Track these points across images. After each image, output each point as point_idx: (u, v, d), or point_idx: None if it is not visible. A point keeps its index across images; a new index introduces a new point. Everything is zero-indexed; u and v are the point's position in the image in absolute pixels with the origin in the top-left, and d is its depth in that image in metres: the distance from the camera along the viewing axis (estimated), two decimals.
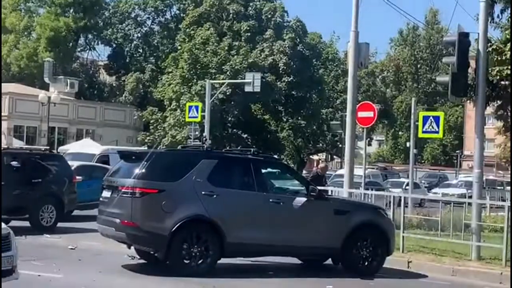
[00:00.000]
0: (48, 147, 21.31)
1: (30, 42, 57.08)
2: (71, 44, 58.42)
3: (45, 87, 48.38)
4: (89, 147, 31.53)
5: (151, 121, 49.08)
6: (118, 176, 11.89)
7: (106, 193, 11.84)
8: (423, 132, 21.71)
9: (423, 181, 47.72)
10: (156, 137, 47.20)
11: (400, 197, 15.59)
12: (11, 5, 58.00)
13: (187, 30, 50.04)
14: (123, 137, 46.58)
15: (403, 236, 14.02)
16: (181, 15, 56.06)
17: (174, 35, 53.67)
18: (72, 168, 19.61)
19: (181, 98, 45.51)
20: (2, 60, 34.92)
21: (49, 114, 39.78)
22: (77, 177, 18.59)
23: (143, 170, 11.29)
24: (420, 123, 21.65)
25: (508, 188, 33.95)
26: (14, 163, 16.90)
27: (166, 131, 46.42)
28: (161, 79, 51.09)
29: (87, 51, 63.10)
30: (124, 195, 11.10)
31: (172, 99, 46.90)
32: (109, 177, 12.29)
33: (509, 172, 41.71)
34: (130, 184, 11.20)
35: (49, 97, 39.84)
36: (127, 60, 59.05)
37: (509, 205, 13.24)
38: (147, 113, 49.66)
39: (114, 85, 60.95)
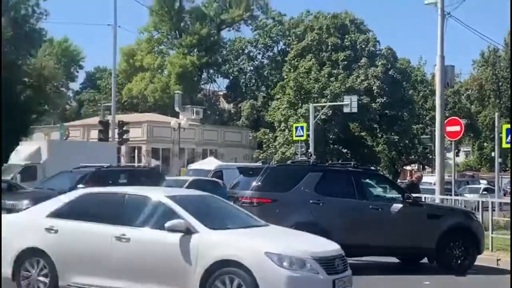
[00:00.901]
0: (146, 164, 21.58)
1: (163, 77, 58.84)
2: (196, 78, 59.91)
3: (176, 115, 49.69)
4: (211, 164, 31.88)
5: (264, 141, 49.46)
6: (238, 189, 12.03)
7: None
8: (507, 143, 20.83)
9: (508, 187, 45.57)
10: (268, 154, 47.47)
11: (488, 201, 14.97)
12: (146, 48, 60.24)
13: (292, 61, 50.21)
14: (241, 155, 47.11)
15: (491, 237, 13.44)
16: (287, 49, 56.36)
17: (281, 66, 53.97)
18: (188, 182, 20.08)
19: (289, 120, 45.62)
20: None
21: (179, 138, 40.79)
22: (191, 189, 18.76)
23: (259, 183, 11.39)
24: (503, 135, 20.80)
25: None
26: (122, 178, 17.30)
27: (277, 149, 46.61)
28: (271, 104, 51.44)
29: (209, 83, 64.60)
30: (244, 204, 11.21)
31: (281, 121, 47.10)
32: (230, 190, 12.45)
33: None
34: (249, 195, 11.31)
35: (179, 124, 40.85)
36: (243, 90, 59.91)
37: None
38: (260, 134, 50.09)
39: (232, 111, 61.95)
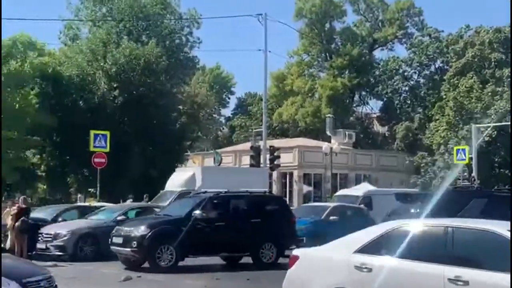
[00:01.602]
0: (267, 190, 21.13)
1: (314, 101, 59.34)
2: (347, 100, 59.93)
3: (327, 139, 49.89)
4: (360, 190, 31.14)
5: (422, 165, 48.18)
6: (396, 216, 11.85)
7: None
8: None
9: None
10: (427, 179, 46.13)
11: None
12: (297, 72, 61.28)
13: (452, 80, 48.67)
14: (396, 180, 46.15)
15: None
16: (445, 67, 54.76)
17: (439, 85, 52.49)
18: (329, 209, 19.91)
19: (449, 143, 44.15)
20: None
21: (331, 163, 40.89)
22: (332, 217, 18.61)
23: (418, 210, 11.16)
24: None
25: None
26: (237, 204, 17.21)
27: (436, 174, 45.19)
28: (429, 126, 50.11)
29: (362, 105, 64.31)
30: None
31: (440, 144, 45.70)
32: (387, 217, 12.33)
33: None
34: None
35: (331, 148, 40.96)
36: (397, 111, 58.88)
37: None
38: (418, 157, 48.88)
39: (386, 134, 61.06)
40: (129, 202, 26.67)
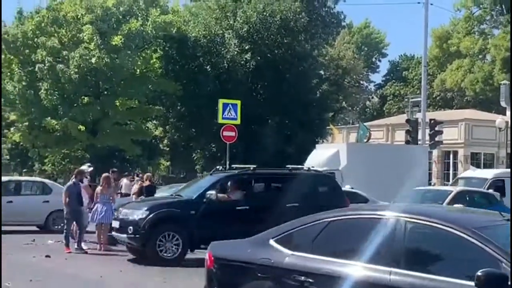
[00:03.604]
0: (310, 167, 18.31)
1: (485, 65, 57.54)
2: None
3: (502, 111, 47.96)
4: (489, 172, 29.24)
5: None
6: None
7: None
8: None
9: None
10: None
11: None
12: (464, 29, 59.35)
13: None
14: None
15: None
16: None
17: None
18: (451, 195, 18.96)
19: None
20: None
21: (507, 140, 39.33)
22: (455, 205, 16.67)
23: None
24: None
25: None
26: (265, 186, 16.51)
27: None
28: None
29: None
30: None
31: None
32: None
33: None
34: None
35: (507, 122, 39.39)
36: None
37: None
38: None
39: None
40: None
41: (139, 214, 15.13)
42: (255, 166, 16.66)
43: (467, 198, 20.17)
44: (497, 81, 52.98)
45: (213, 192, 15.22)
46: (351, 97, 62.10)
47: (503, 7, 58.45)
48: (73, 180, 17.49)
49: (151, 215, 14.95)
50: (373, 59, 75.87)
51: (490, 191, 22.69)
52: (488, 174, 26.27)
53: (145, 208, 15.26)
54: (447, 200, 19.65)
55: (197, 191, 15.71)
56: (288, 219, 7.49)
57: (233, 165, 18.59)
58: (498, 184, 24.34)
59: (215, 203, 15.19)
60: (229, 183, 16.23)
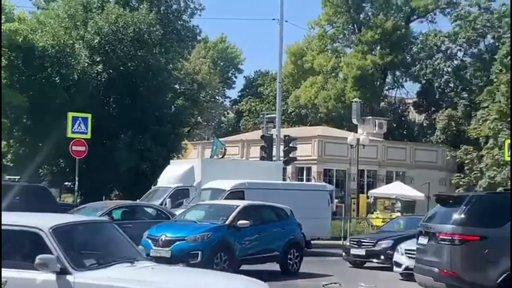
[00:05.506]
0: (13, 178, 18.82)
1: (338, 82, 59.13)
2: (378, 82, 59.73)
3: (353, 128, 49.74)
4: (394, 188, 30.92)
5: (466, 162, 47.96)
6: (435, 222, 11.78)
7: (422, 240, 11.77)
8: None
9: None
10: (472, 179, 45.94)
11: None
12: (318, 47, 61.07)
13: (504, 60, 48.31)
14: (435, 179, 46.00)
15: None
16: (496, 44, 54.39)
17: (489, 66, 52.19)
18: None
19: (499, 135, 43.85)
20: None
21: (358, 157, 40.74)
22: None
23: (462, 215, 11.06)
24: None
25: None
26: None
27: (483, 172, 44.97)
28: (476, 115, 49.84)
29: (395, 89, 64.09)
30: (442, 242, 10.94)
31: (489, 137, 45.41)
32: (424, 223, 12.22)
33: None
34: (448, 231, 11.02)
35: (358, 139, 40.78)
36: (437, 97, 58.67)
37: None
38: (461, 152, 48.62)
39: (424, 124, 60.86)
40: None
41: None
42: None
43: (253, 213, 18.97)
44: (349, 98, 54.92)
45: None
46: (206, 112, 62.44)
47: (355, 26, 60.85)
48: None
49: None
50: (229, 74, 76.64)
51: (280, 205, 20.27)
52: (227, 185, 24.77)
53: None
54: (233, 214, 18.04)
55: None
56: None
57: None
58: (238, 196, 23.24)
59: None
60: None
